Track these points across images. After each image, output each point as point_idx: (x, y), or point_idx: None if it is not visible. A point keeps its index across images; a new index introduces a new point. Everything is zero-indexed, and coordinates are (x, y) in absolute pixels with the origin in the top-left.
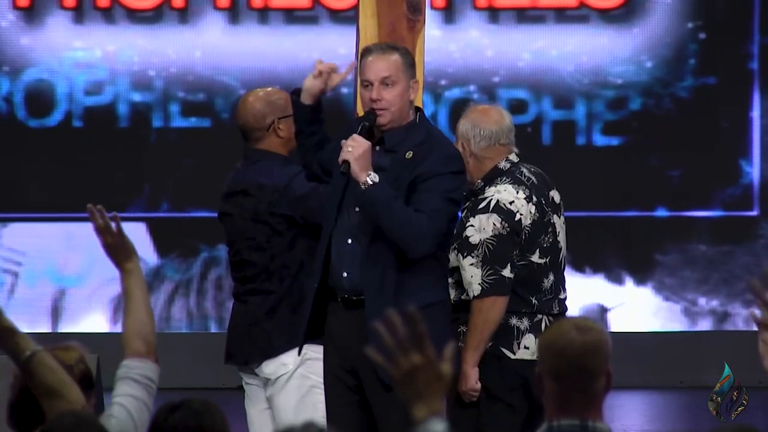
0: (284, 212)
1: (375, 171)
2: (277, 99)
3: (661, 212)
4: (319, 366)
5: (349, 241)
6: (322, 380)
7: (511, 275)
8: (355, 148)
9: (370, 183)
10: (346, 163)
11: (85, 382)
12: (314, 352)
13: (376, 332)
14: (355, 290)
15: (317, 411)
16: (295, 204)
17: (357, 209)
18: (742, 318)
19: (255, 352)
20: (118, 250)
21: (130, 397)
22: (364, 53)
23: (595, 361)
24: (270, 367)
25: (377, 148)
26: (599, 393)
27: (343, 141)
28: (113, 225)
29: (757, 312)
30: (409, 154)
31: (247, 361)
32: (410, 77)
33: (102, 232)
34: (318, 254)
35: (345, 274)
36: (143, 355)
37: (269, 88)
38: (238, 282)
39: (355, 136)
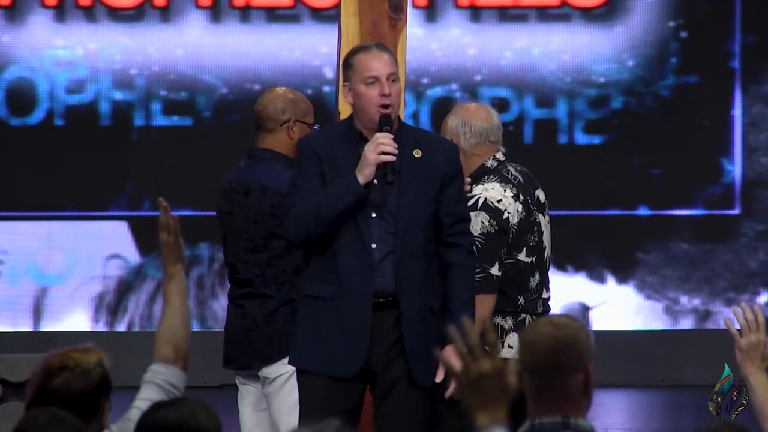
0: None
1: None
2: (302, 103)
3: (643, 211)
4: None
5: (374, 245)
6: None
7: (499, 273)
8: (389, 146)
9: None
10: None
11: (102, 386)
12: None
13: (452, 337)
14: (387, 291)
15: None
16: None
17: (374, 215)
18: (723, 316)
19: (256, 357)
20: (171, 250)
21: (150, 401)
22: (359, 50)
23: (568, 356)
24: (270, 368)
25: None
26: (576, 389)
27: (369, 148)
28: (173, 225)
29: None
30: (417, 153)
31: (248, 366)
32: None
33: (163, 228)
34: (344, 259)
35: (376, 277)
36: (171, 361)
37: (300, 94)
38: (234, 284)
39: (386, 134)
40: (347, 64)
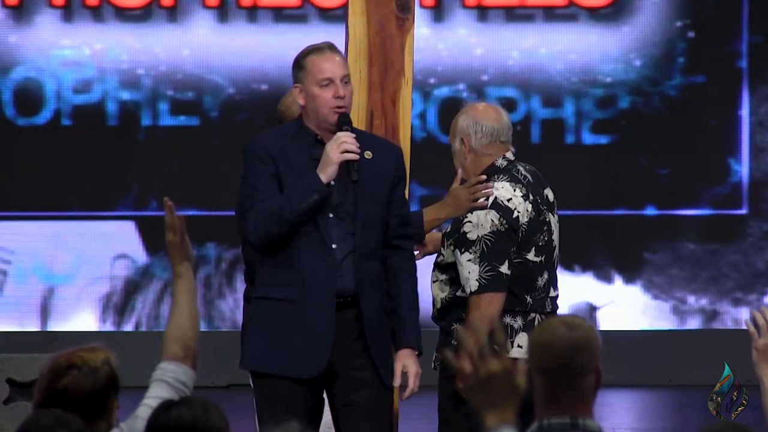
0: None
1: (339, 176)
2: None
3: (650, 210)
4: None
5: (334, 246)
6: None
7: (509, 272)
8: (352, 144)
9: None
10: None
11: (110, 384)
12: None
13: (460, 337)
14: (348, 291)
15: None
16: None
17: (331, 215)
18: (730, 316)
19: None
20: (177, 249)
21: (159, 399)
22: (312, 51)
23: (582, 358)
24: None
25: None
26: (588, 390)
27: (332, 147)
28: (178, 224)
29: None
30: (368, 154)
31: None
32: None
33: (169, 227)
34: (306, 260)
35: (337, 277)
36: (180, 359)
37: None
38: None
39: (348, 133)
40: (299, 66)
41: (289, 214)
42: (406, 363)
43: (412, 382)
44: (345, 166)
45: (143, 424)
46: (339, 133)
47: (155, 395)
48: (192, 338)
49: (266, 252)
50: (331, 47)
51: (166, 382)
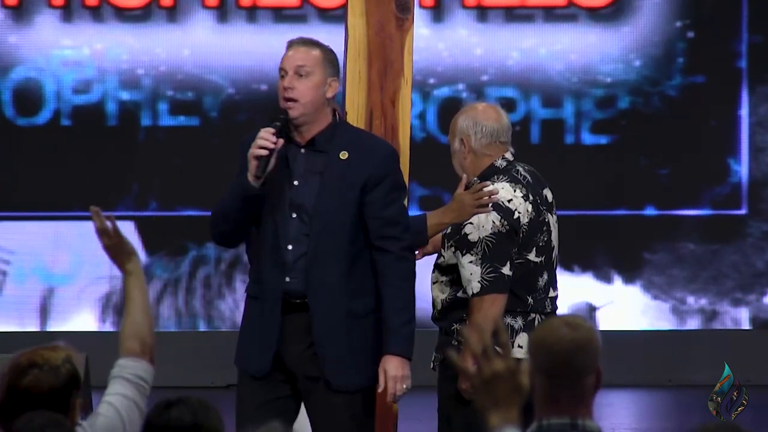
0: None
1: (307, 175)
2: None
3: (650, 211)
4: None
5: (290, 247)
6: None
7: (510, 273)
8: (266, 141)
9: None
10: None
11: (72, 382)
12: None
13: (464, 337)
14: (298, 293)
15: None
16: None
17: (294, 215)
18: (730, 316)
19: None
20: (118, 251)
21: (120, 396)
22: (287, 46)
23: (584, 358)
24: None
25: (302, 150)
26: (589, 390)
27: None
28: (110, 226)
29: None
30: (343, 155)
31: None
32: (329, 75)
33: (101, 233)
34: (263, 259)
35: (287, 279)
36: (137, 354)
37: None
38: None
39: (268, 129)
40: None
41: (228, 211)
42: (385, 368)
43: (383, 382)
44: (263, 163)
45: (105, 422)
46: (262, 130)
47: (115, 392)
48: (148, 333)
49: (227, 248)
50: (299, 41)
51: (125, 378)
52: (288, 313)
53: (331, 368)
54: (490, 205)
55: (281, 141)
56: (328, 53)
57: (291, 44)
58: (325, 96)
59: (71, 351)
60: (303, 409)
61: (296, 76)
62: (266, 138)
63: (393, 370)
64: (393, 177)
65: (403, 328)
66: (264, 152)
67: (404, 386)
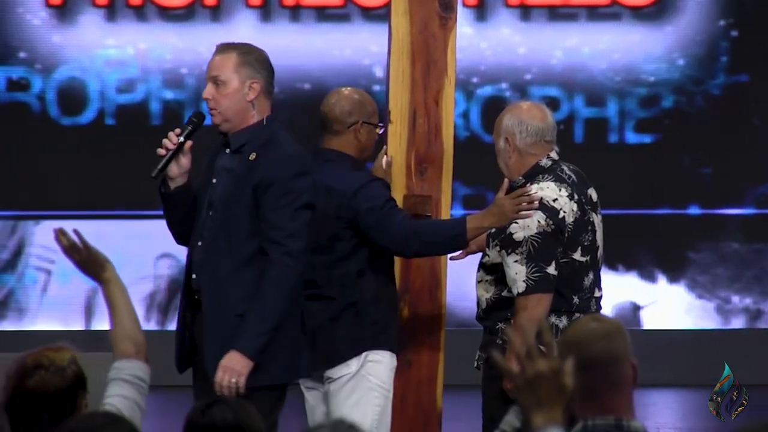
0: (349, 217)
1: (222, 172)
2: (368, 105)
3: (694, 210)
4: (381, 369)
5: (199, 243)
6: (381, 383)
7: (556, 273)
8: (168, 141)
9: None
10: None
11: (78, 383)
12: (377, 355)
13: (508, 337)
14: (197, 290)
15: (371, 413)
16: (356, 215)
17: (210, 213)
18: None
19: (319, 360)
20: (90, 264)
21: (120, 397)
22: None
23: (617, 345)
24: (333, 369)
25: (227, 151)
26: (627, 383)
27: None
28: (77, 241)
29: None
30: (252, 156)
31: (313, 369)
32: (246, 77)
33: (70, 251)
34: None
35: (194, 276)
36: (132, 355)
37: (366, 94)
38: None
39: (176, 130)
40: None
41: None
42: (222, 359)
43: (216, 375)
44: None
45: None
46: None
47: (115, 393)
48: (138, 334)
49: (185, 246)
50: (218, 47)
51: (123, 380)
52: (196, 309)
53: (212, 367)
54: (536, 203)
55: (189, 143)
56: (245, 54)
57: (215, 50)
58: (246, 99)
59: (77, 352)
60: (309, 406)
61: (214, 86)
62: (169, 138)
63: (226, 360)
64: (287, 183)
65: (254, 326)
66: (162, 151)
67: (232, 380)
